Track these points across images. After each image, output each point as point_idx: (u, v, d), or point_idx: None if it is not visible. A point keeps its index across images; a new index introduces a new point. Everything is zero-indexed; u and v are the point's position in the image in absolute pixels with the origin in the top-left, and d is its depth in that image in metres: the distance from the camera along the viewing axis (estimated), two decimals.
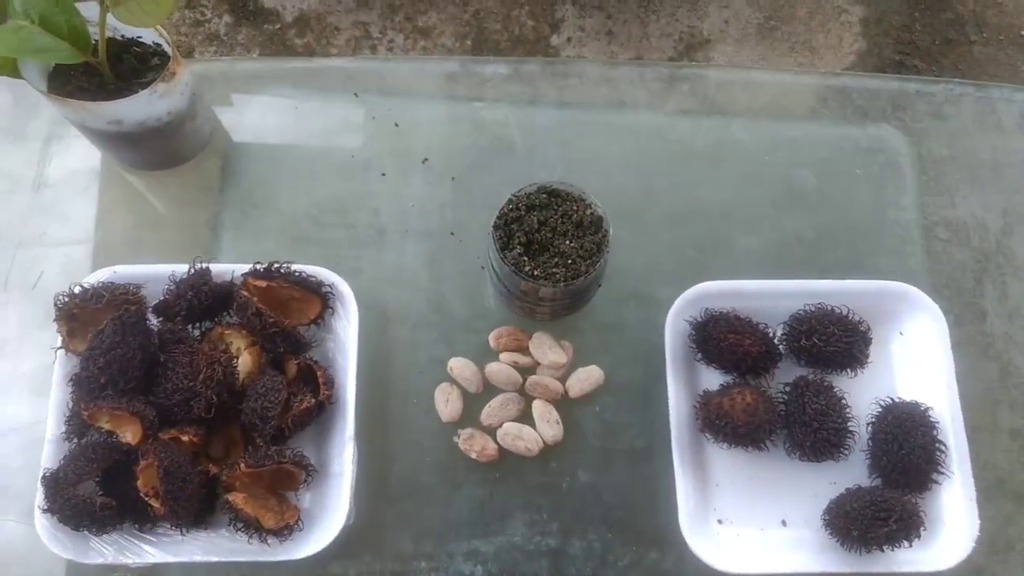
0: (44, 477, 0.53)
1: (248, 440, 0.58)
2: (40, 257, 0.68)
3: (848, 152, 0.74)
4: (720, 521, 0.60)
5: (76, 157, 0.72)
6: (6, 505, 0.60)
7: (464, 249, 0.69)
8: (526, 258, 0.56)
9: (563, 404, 0.64)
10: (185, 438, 0.55)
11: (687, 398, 0.62)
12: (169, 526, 0.55)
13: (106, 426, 0.55)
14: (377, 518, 0.61)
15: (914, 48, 1.30)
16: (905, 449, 0.58)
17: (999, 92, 0.78)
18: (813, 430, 0.58)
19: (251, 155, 0.73)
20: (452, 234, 0.69)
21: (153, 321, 0.60)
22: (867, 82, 0.79)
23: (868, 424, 0.61)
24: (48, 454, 0.56)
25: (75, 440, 0.56)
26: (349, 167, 0.72)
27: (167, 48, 0.63)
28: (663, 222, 0.71)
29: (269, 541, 0.54)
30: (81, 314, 0.58)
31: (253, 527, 0.53)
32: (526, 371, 0.64)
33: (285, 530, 0.54)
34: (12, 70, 0.60)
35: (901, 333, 0.65)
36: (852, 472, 0.61)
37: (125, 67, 0.63)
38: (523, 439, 0.62)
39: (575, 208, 0.58)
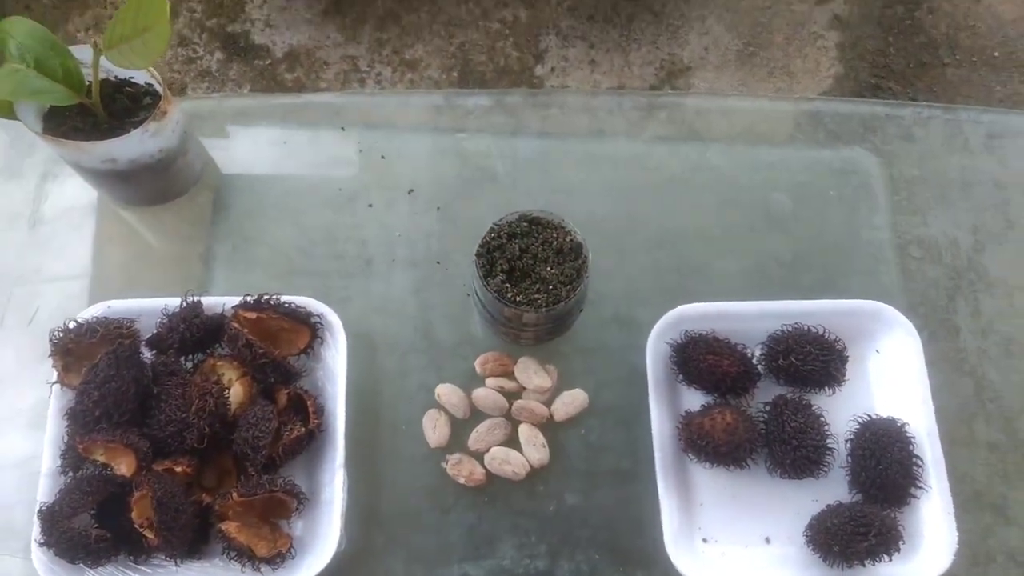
0: (40, 511, 0.54)
1: (240, 470, 0.59)
2: (36, 293, 0.69)
3: (822, 175, 0.77)
4: (705, 540, 0.61)
5: (70, 194, 0.74)
6: (5, 540, 0.61)
7: (450, 277, 0.70)
8: (508, 285, 0.58)
9: (549, 428, 0.65)
10: (179, 469, 0.56)
11: (670, 419, 0.63)
12: (164, 557, 0.56)
13: (101, 459, 0.56)
14: (368, 544, 0.62)
15: (889, 71, 1.33)
16: (883, 464, 0.59)
17: (966, 114, 0.80)
18: (792, 448, 0.60)
19: (242, 189, 0.75)
20: (438, 263, 0.71)
21: (147, 354, 0.61)
22: (839, 106, 0.82)
23: (846, 441, 0.62)
24: (44, 488, 0.57)
25: (71, 473, 0.57)
26: (337, 199, 0.74)
27: (158, 87, 0.65)
28: (643, 247, 0.73)
29: (262, 569, 0.55)
30: (76, 349, 0.59)
31: (246, 556, 0.54)
32: (512, 396, 0.66)
33: (278, 558, 0.55)
34: (8, 112, 0.62)
35: (877, 351, 0.67)
36: (833, 488, 0.62)
37: (118, 107, 0.65)
38: (510, 463, 0.63)
39: (555, 235, 0.60)
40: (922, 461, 0.61)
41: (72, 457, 0.57)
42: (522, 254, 0.59)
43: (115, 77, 0.66)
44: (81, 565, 0.55)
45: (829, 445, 0.61)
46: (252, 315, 0.60)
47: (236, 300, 0.61)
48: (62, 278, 0.71)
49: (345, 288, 0.70)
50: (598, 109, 0.79)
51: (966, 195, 0.76)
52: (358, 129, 0.77)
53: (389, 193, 0.74)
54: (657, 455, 0.61)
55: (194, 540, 0.56)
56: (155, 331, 0.61)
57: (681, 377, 0.64)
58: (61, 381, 0.59)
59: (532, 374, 0.65)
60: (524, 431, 0.64)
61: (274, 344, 0.62)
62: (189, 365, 0.62)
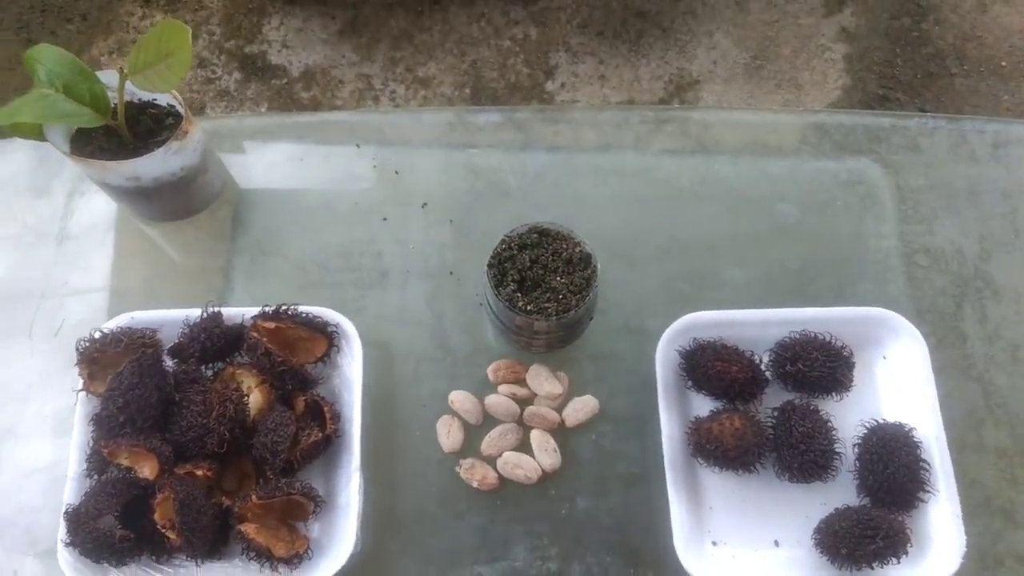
0: (67, 512, 0.56)
1: (259, 473, 0.60)
2: (62, 305, 0.72)
3: (828, 185, 0.78)
4: (715, 543, 0.62)
5: (96, 211, 0.76)
6: (32, 541, 0.63)
7: (463, 288, 0.72)
8: (520, 294, 0.60)
9: (560, 433, 0.66)
10: (200, 472, 0.58)
11: (679, 424, 0.64)
12: (185, 557, 0.57)
13: (125, 462, 0.58)
14: (383, 546, 0.63)
15: (896, 82, 1.34)
16: (890, 468, 0.60)
17: (971, 124, 0.81)
18: (800, 452, 0.61)
19: (260, 205, 0.77)
20: (451, 274, 0.73)
21: (169, 363, 0.63)
22: (844, 118, 0.83)
23: (854, 445, 0.63)
24: (70, 491, 0.59)
25: (96, 477, 0.59)
26: (353, 213, 0.76)
27: (180, 109, 0.67)
28: (653, 257, 0.74)
29: (280, 570, 0.56)
30: (101, 358, 0.61)
31: (265, 556, 0.56)
32: (524, 402, 0.67)
33: (295, 559, 0.57)
34: (38, 134, 0.64)
35: (884, 357, 0.67)
36: (841, 492, 0.63)
37: (142, 128, 0.68)
38: (522, 467, 0.64)
39: (565, 246, 0.61)
40: (929, 465, 0.61)
41: (97, 461, 0.59)
42: (532, 265, 0.60)
43: (139, 99, 0.69)
44: (105, 564, 0.56)
45: (836, 449, 0.62)
46: (271, 325, 0.62)
47: (255, 311, 0.63)
48: (87, 291, 0.73)
49: (361, 299, 0.72)
50: (606, 124, 0.81)
51: (972, 204, 0.77)
52: (373, 146, 0.79)
53: (403, 207, 0.76)
54: (667, 459, 0.62)
55: (214, 541, 0.58)
56: (177, 341, 0.63)
57: (690, 383, 0.65)
58: (87, 389, 0.62)
59: (544, 381, 0.67)
60: (536, 436, 0.66)
61: (292, 352, 0.63)
62: (209, 373, 0.64)
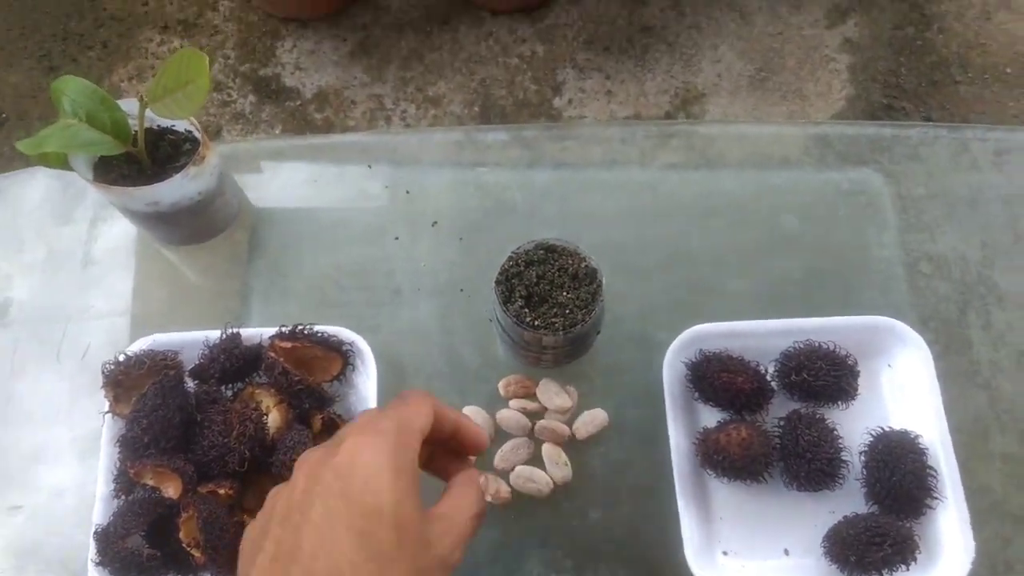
0: (96, 532, 0.58)
1: None
2: (87, 329, 0.74)
3: (831, 196, 0.79)
4: (725, 553, 0.63)
5: (118, 236, 0.79)
6: (63, 560, 0.65)
7: (473, 304, 0.74)
8: (527, 310, 0.61)
9: (571, 446, 0.68)
10: (222, 491, 0.60)
11: (687, 436, 0.65)
12: (210, 574, 0.59)
13: (150, 482, 0.60)
14: None
15: (901, 91, 1.35)
16: (896, 476, 0.61)
17: (972, 132, 0.82)
18: (807, 461, 0.62)
19: (276, 226, 0.79)
20: (461, 290, 0.75)
21: (190, 384, 0.65)
22: (846, 129, 0.84)
23: (861, 453, 0.64)
24: (99, 511, 0.61)
25: (123, 497, 0.61)
26: (365, 233, 0.78)
27: (198, 134, 0.69)
28: (658, 270, 0.76)
29: None
30: (125, 380, 0.63)
31: None
32: (534, 416, 0.68)
33: None
34: (63, 163, 0.67)
35: (889, 365, 0.68)
36: (850, 500, 0.64)
37: (161, 154, 0.70)
38: (534, 481, 0.66)
39: (570, 262, 0.63)
40: (936, 472, 0.62)
41: (124, 481, 0.61)
42: (539, 280, 0.62)
43: (158, 126, 0.71)
44: None
45: (843, 458, 0.63)
46: (287, 345, 0.64)
47: (272, 331, 0.65)
48: (111, 314, 0.75)
49: (375, 317, 0.74)
50: (611, 139, 0.83)
51: (974, 211, 0.78)
52: (384, 166, 0.81)
53: (414, 226, 0.78)
54: (676, 471, 0.63)
55: (237, 557, 0.59)
56: (198, 362, 0.65)
57: (697, 395, 0.67)
58: (112, 411, 0.64)
59: (553, 395, 0.68)
60: (547, 450, 0.67)
61: (308, 371, 0.65)
62: (230, 393, 0.66)
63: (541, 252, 0.63)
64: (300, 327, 0.65)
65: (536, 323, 0.61)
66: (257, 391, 0.64)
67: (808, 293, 0.74)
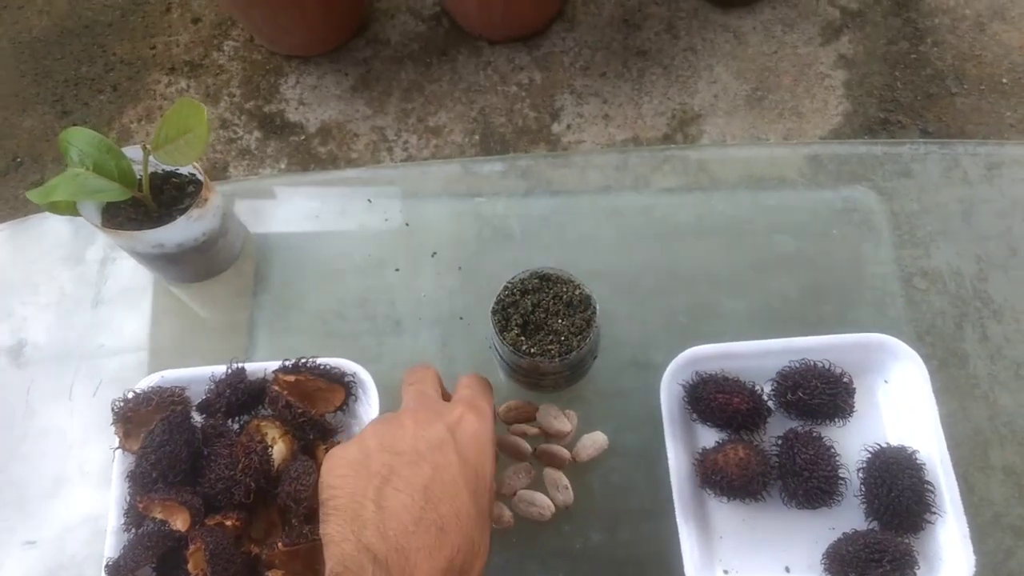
0: (107, 565, 0.60)
1: (285, 521, 0.63)
2: (99, 367, 0.76)
3: (824, 214, 0.80)
4: (726, 572, 0.64)
5: (127, 276, 0.81)
6: None
7: (472, 332, 0.75)
8: (523, 338, 0.62)
9: (572, 470, 0.69)
10: (229, 522, 0.61)
11: (686, 456, 0.66)
12: None
13: (159, 515, 0.61)
14: None
15: (897, 105, 1.36)
16: (895, 492, 0.61)
17: (963, 147, 0.83)
18: (804, 479, 0.62)
19: (280, 261, 0.81)
20: (461, 318, 0.76)
21: (197, 418, 0.67)
22: (838, 148, 0.85)
23: (858, 470, 0.64)
24: (110, 544, 0.63)
25: (133, 530, 0.62)
26: (367, 265, 0.80)
27: (200, 177, 0.72)
28: (654, 293, 0.77)
29: None
30: (135, 416, 0.65)
31: None
32: (535, 441, 0.69)
33: None
34: (72, 210, 0.69)
35: (886, 381, 0.69)
36: (849, 517, 0.64)
37: (166, 197, 0.72)
38: (536, 505, 0.67)
39: (565, 289, 0.64)
40: (933, 487, 0.62)
41: (134, 515, 0.63)
42: (535, 308, 0.63)
43: (162, 171, 0.73)
44: None
45: (841, 475, 0.63)
46: (291, 378, 0.66)
47: (276, 364, 0.67)
48: (121, 351, 0.77)
49: (377, 347, 0.75)
50: (606, 166, 0.85)
51: (967, 225, 0.78)
52: (384, 199, 0.83)
53: (414, 257, 0.80)
54: (675, 491, 0.64)
55: None
56: (204, 396, 0.67)
57: (695, 416, 0.67)
58: (123, 446, 0.65)
59: (553, 419, 0.69)
60: (548, 474, 0.68)
61: (312, 403, 0.67)
62: (236, 427, 0.67)
63: (536, 281, 0.65)
64: (303, 360, 0.67)
65: (532, 350, 0.62)
66: (262, 424, 0.66)
67: (804, 311, 0.75)
